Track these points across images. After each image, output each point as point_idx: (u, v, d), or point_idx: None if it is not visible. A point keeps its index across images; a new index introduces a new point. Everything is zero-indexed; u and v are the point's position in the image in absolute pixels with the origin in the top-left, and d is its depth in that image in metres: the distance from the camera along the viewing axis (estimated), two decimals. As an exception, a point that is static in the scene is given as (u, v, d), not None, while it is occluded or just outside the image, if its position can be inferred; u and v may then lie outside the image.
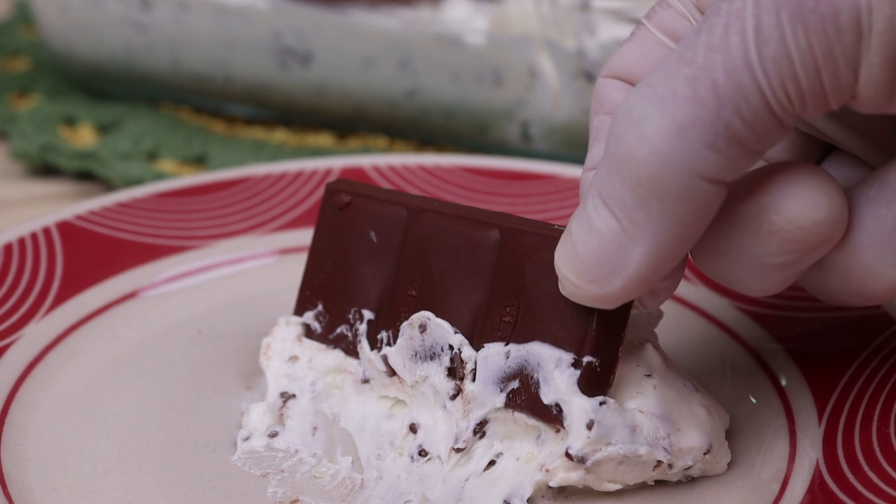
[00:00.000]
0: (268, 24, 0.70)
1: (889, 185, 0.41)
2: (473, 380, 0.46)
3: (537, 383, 0.45)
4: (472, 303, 0.47)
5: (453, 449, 0.47)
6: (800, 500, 0.45)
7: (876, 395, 0.48)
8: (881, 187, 0.41)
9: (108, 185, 0.69)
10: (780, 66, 0.37)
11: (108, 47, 0.73)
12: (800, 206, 0.40)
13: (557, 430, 0.45)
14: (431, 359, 0.47)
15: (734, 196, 0.42)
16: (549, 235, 0.45)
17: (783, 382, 0.50)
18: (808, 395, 0.49)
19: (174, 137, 0.71)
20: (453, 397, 0.47)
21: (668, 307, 0.54)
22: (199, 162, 0.70)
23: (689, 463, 0.46)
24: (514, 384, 0.45)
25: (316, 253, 0.52)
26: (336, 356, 0.50)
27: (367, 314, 0.50)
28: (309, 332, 0.51)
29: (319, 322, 0.51)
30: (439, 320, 0.47)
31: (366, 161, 0.61)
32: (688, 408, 0.46)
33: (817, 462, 0.46)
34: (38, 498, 0.46)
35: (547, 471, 0.45)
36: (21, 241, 0.55)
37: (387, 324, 0.49)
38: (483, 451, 0.47)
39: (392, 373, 0.48)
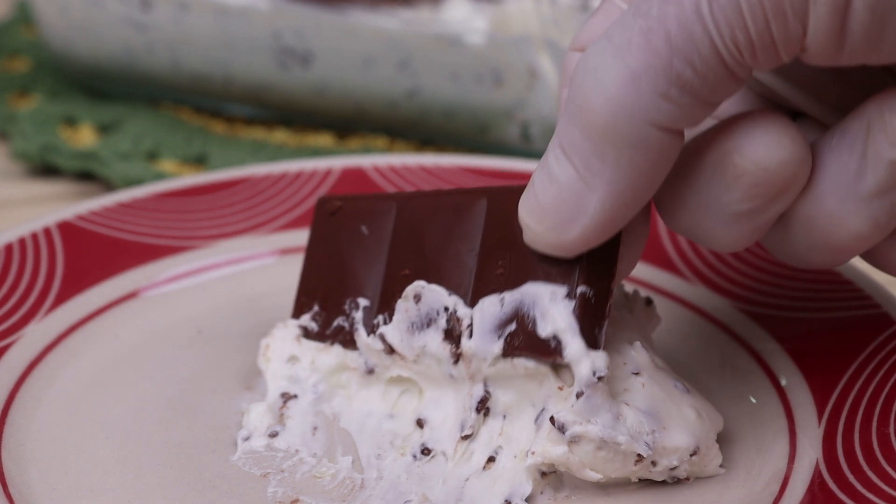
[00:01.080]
0: (268, 24, 0.70)
1: (850, 133, 0.41)
2: (471, 336, 0.46)
3: (534, 320, 0.45)
4: (466, 268, 0.47)
5: (462, 437, 0.47)
6: (800, 500, 0.45)
7: (876, 394, 0.48)
8: (843, 135, 0.41)
9: (108, 186, 0.69)
10: (730, 17, 0.38)
11: (109, 47, 0.73)
12: (763, 147, 0.41)
13: (561, 388, 0.45)
14: (428, 325, 0.47)
15: (698, 145, 0.42)
16: None
17: (783, 382, 0.50)
18: (807, 394, 0.49)
19: (174, 137, 0.71)
20: (455, 362, 0.47)
21: (668, 307, 0.54)
22: (200, 162, 0.70)
23: (675, 463, 0.46)
24: (511, 327, 0.45)
25: (310, 259, 0.52)
26: (336, 353, 0.50)
27: (363, 302, 0.50)
28: (307, 333, 0.51)
29: (316, 321, 0.51)
30: (433, 286, 0.47)
31: (366, 161, 0.61)
32: (676, 408, 0.46)
33: (817, 462, 0.46)
34: (39, 498, 0.46)
35: (533, 453, 0.45)
36: (21, 242, 0.55)
37: (382, 307, 0.49)
38: (484, 446, 0.47)
39: (391, 350, 0.48)
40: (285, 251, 0.58)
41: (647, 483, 0.47)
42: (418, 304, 0.48)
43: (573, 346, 0.44)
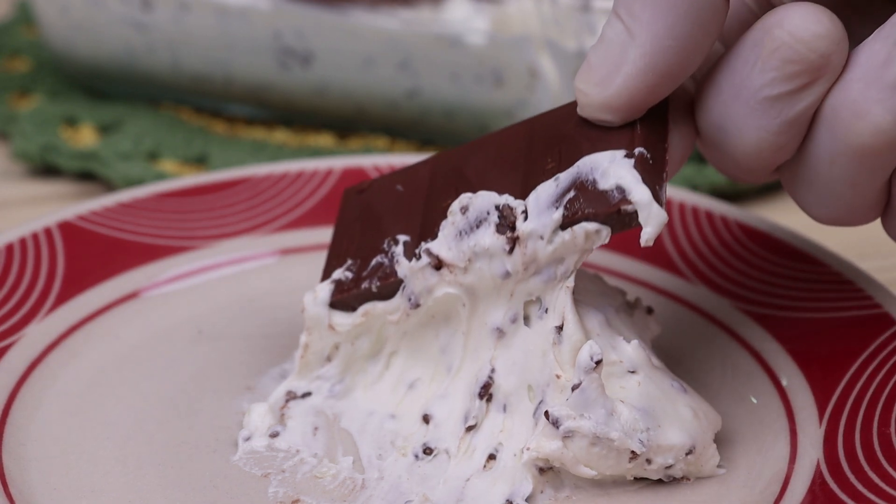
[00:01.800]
0: (268, 24, 0.70)
1: (888, 24, 0.42)
2: (526, 219, 0.46)
3: (594, 181, 0.45)
4: (514, 175, 0.47)
5: (466, 429, 0.47)
6: (800, 500, 0.45)
7: (877, 395, 0.48)
8: (881, 28, 0.43)
9: (108, 186, 0.69)
10: None
11: (109, 48, 0.73)
12: (802, 19, 0.42)
13: (558, 376, 0.45)
14: (478, 227, 0.46)
15: (742, 30, 0.44)
16: (573, 102, 0.46)
17: (784, 382, 0.50)
18: (808, 395, 0.49)
19: (175, 138, 0.71)
20: (510, 250, 0.46)
21: (668, 307, 0.54)
22: (200, 162, 0.70)
23: (670, 461, 0.46)
24: (570, 195, 0.45)
25: (338, 232, 0.51)
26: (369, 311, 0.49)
27: (403, 238, 0.49)
28: (340, 288, 0.50)
29: (350, 271, 0.50)
30: (481, 192, 0.47)
31: (366, 161, 0.61)
32: (672, 407, 0.46)
33: (818, 462, 0.46)
34: (40, 498, 0.46)
35: (529, 449, 0.45)
36: (22, 242, 0.55)
37: (424, 236, 0.48)
38: (485, 442, 0.47)
39: (438, 264, 0.47)
40: (286, 251, 0.58)
41: (646, 483, 0.47)
42: (465, 213, 0.47)
43: (638, 191, 0.44)
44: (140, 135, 0.71)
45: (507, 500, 0.46)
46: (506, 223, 0.46)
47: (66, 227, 0.57)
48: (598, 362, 0.44)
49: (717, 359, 0.52)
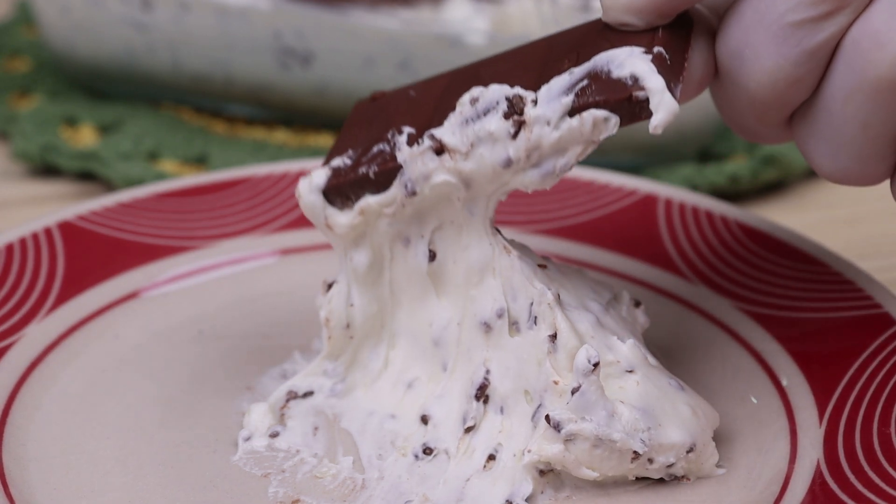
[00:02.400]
0: (268, 24, 0.70)
1: None
2: (536, 105, 0.45)
3: (608, 72, 0.44)
4: (528, 78, 0.46)
5: (465, 430, 0.47)
6: (800, 500, 0.45)
7: (877, 395, 0.48)
8: None
9: (108, 186, 0.69)
10: None
11: (109, 48, 0.73)
12: None
13: (556, 382, 0.45)
14: (486, 115, 0.45)
15: None
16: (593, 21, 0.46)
17: (784, 382, 0.50)
18: (808, 395, 0.49)
19: (175, 138, 0.71)
20: (515, 134, 0.45)
21: (668, 307, 0.54)
22: (200, 162, 0.70)
23: (672, 460, 0.46)
24: (583, 83, 0.44)
25: (344, 133, 0.50)
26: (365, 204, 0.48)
27: (408, 129, 0.48)
28: (336, 174, 0.48)
29: (350, 158, 0.49)
30: (493, 85, 0.46)
31: (367, 161, 0.61)
32: (671, 405, 0.46)
33: (818, 462, 0.46)
34: (40, 498, 0.46)
35: (530, 451, 0.45)
36: (22, 242, 0.55)
37: (430, 127, 0.47)
38: (485, 443, 0.47)
39: (440, 148, 0.46)
40: (286, 251, 0.58)
41: (647, 483, 0.47)
42: (475, 105, 0.46)
43: (653, 79, 0.43)
44: (140, 135, 0.71)
45: (507, 501, 0.46)
46: (514, 110, 0.45)
47: (66, 227, 0.57)
48: (596, 365, 0.44)
49: (717, 359, 0.52)
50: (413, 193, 0.47)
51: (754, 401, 0.50)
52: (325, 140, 0.72)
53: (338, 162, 0.49)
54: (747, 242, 0.56)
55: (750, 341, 0.52)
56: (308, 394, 0.50)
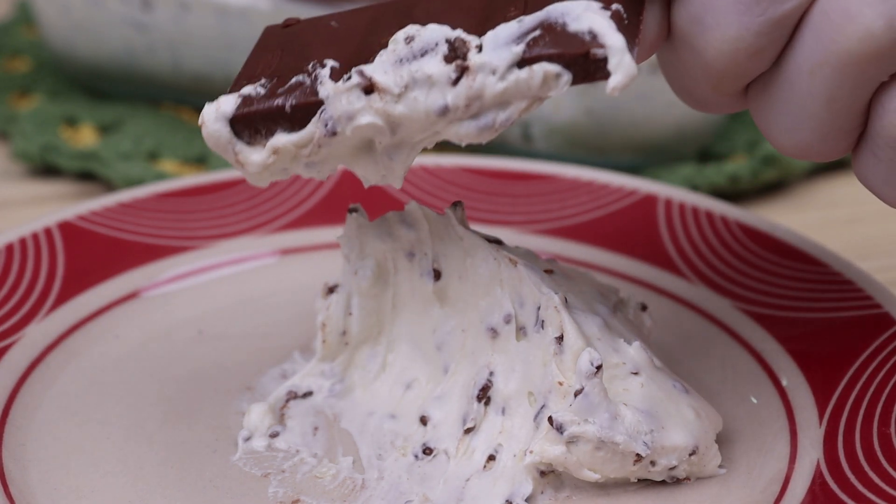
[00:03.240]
0: (268, 24, 0.70)
1: None
2: (480, 51, 0.41)
3: (563, 24, 0.41)
4: (470, 20, 0.42)
5: (465, 431, 0.47)
6: (800, 500, 0.45)
7: (877, 395, 0.48)
8: None
9: (109, 186, 0.69)
10: None
11: (109, 48, 0.73)
12: None
13: (561, 383, 0.45)
14: (423, 56, 0.42)
15: None
16: None
17: (784, 382, 0.50)
18: (808, 395, 0.49)
19: (175, 137, 0.71)
20: (455, 80, 0.41)
21: (668, 307, 0.54)
22: (200, 162, 0.70)
23: (674, 462, 0.46)
24: (535, 34, 0.41)
25: (254, 57, 0.45)
26: (280, 141, 0.43)
27: (331, 62, 0.43)
28: (247, 102, 0.44)
29: (263, 87, 0.44)
30: (431, 24, 0.42)
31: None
32: (675, 408, 0.46)
33: (818, 462, 0.46)
34: (40, 498, 0.46)
35: (531, 452, 0.45)
36: (22, 242, 0.55)
37: (358, 62, 0.43)
38: (485, 443, 0.47)
39: (370, 87, 0.42)
40: (286, 251, 0.58)
41: (647, 483, 0.47)
42: (410, 44, 0.42)
43: (613, 37, 0.40)
44: (140, 135, 0.71)
45: (507, 501, 0.46)
46: (457, 54, 0.41)
47: (67, 227, 0.57)
48: (599, 367, 0.44)
49: (717, 359, 0.52)
50: (333, 133, 0.43)
51: (754, 401, 0.50)
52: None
53: (249, 90, 0.44)
54: (747, 242, 0.56)
55: (750, 341, 0.52)
56: (308, 394, 0.50)
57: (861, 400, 0.48)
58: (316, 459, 0.48)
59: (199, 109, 0.75)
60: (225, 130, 0.44)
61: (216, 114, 0.44)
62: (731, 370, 0.52)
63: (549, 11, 0.41)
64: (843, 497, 0.44)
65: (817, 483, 0.45)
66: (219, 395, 0.51)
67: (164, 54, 0.72)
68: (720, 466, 0.47)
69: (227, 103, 0.44)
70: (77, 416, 0.50)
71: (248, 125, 0.44)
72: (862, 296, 0.52)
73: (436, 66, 0.41)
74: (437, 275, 0.49)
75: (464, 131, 0.42)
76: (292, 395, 0.50)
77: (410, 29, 0.42)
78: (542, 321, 0.46)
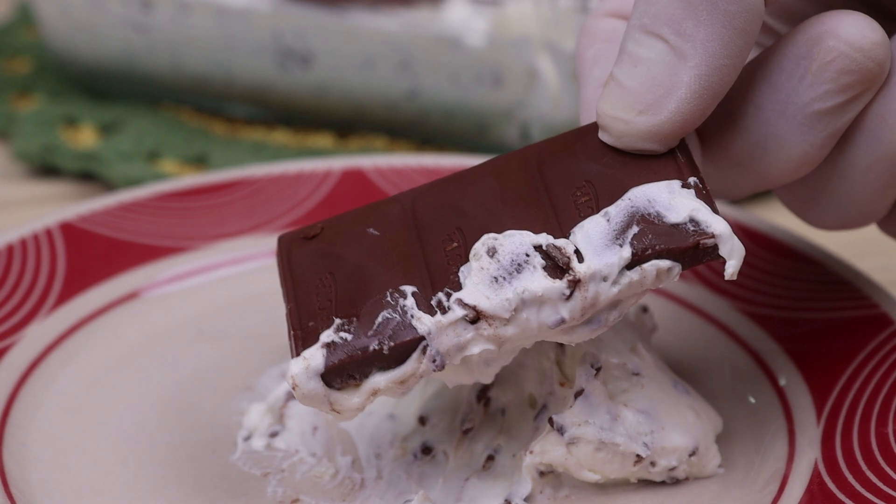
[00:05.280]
0: (268, 25, 0.70)
1: None
2: (581, 260, 0.41)
3: (658, 214, 0.41)
4: (537, 210, 0.42)
5: (463, 431, 0.47)
6: (798, 499, 0.45)
7: (874, 394, 0.48)
8: None
9: (109, 186, 0.69)
10: None
11: (110, 48, 0.73)
12: (857, 27, 0.40)
13: (563, 384, 0.45)
14: (518, 271, 0.41)
15: (778, 44, 0.41)
16: (576, 130, 0.43)
17: (782, 382, 0.50)
18: (806, 395, 0.49)
19: (175, 138, 0.71)
20: (569, 296, 0.41)
21: (668, 307, 0.55)
22: (200, 162, 0.70)
23: (674, 463, 0.46)
24: (633, 230, 0.41)
25: (299, 287, 0.44)
26: (378, 382, 0.42)
27: (408, 288, 0.42)
28: (334, 351, 0.42)
29: (346, 332, 0.42)
30: (508, 232, 0.41)
31: (366, 162, 0.61)
32: (675, 409, 0.46)
33: (816, 462, 0.46)
34: (40, 498, 0.46)
35: (532, 452, 0.45)
36: (23, 242, 0.56)
37: (437, 286, 0.41)
38: (484, 444, 0.47)
39: (476, 316, 0.41)
40: (286, 251, 0.58)
41: (646, 483, 0.47)
42: (495, 256, 0.41)
43: (718, 224, 0.40)
44: (140, 135, 0.71)
45: (506, 500, 0.46)
46: (557, 265, 0.41)
47: (67, 228, 0.57)
48: (599, 369, 0.44)
49: (716, 359, 0.52)
50: (441, 367, 0.42)
51: (752, 400, 0.50)
52: (325, 140, 0.72)
53: (330, 336, 0.42)
54: (746, 242, 0.56)
55: (748, 341, 0.52)
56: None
57: (859, 399, 0.48)
58: (315, 459, 0.48)
59: (199, 109, 0.75)
60: (320, 388, 0.42)
61: (307, 372, 0.42)
62: (729, 370, 0.52)
63: (634, 201, 0.41)
64: (841, 496, 0.44)
65: (815, 482, 0.45)
66: (218, 394, 0.51)
67: (164, 55, 0.72)
68: (719, 466, 0.47)
69: (315, 358, 0.42)
70: (77, 416, 0.50)
71: (340, 374, 0.42)
72: (860, 296, 0.52)
73: (541, 282, 0.41)
74: None
75: (577, 336, 0.42)
76: (292, 395, 0.50)
77: (488, 240, 0.41)
78: None
